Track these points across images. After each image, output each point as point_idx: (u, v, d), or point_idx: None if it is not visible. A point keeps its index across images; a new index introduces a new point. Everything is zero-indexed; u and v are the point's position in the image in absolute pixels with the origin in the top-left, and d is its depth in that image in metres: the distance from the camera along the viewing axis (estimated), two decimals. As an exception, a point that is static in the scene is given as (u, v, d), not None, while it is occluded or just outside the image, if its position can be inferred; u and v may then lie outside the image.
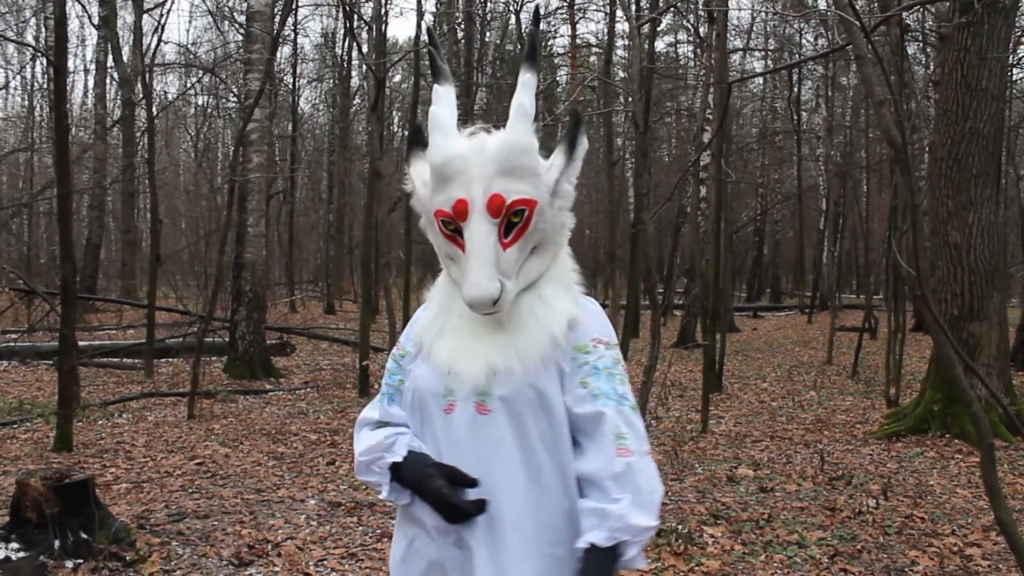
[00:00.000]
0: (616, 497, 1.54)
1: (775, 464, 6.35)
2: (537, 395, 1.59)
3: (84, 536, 3.94)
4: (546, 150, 1.68)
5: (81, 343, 10.22)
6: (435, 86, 1.69)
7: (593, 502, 1.56)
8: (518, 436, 1.60)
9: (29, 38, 24.33)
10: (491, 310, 1.57)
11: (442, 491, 1.62)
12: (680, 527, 4.59)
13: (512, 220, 1.58)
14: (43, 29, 23.00)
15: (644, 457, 1.59)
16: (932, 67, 17.38)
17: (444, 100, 1.67)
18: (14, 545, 3.79)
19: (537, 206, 1.60)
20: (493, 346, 1.61)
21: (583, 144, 1.68)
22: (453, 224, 1.61)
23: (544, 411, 1.60)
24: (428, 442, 1.68)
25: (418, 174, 1.71)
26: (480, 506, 1.62)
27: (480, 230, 1.57)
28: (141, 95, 17.37)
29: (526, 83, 1.65)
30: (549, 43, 27.50)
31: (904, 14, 10.69)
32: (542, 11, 26.08)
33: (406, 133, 21.26)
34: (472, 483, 1.62)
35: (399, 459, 1.69)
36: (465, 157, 1.59)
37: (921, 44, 18.65)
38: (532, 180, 1.60)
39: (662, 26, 26.18)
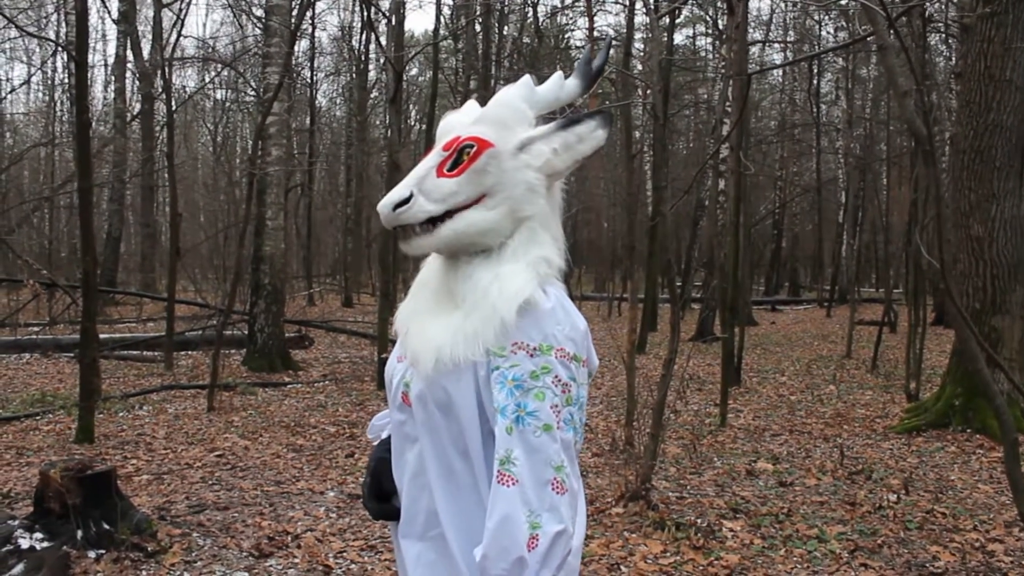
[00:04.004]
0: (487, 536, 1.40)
1: (794, 458, 6.32)
2: (446, 396, 1.49)
3: (106, 527, 3.97)
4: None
5: (102, 336, 10.31)
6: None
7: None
8: (431, 434, 1.53)
9: (50, 33, 24.49)
10: (392, 217, 1.52)
11: (363, 488, 1.68)
12: (699, 521, 4.58)
13: (461, 158, 1.55)
14: (64, 24, 23.15)
15: (538, 488, 1.39)
16: (954, 58, 17.20)
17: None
18: (38, 535, 3.83)
19: (491, 148, 1.54)
20: (445, 331, 1.51)
21: (585, 125, 1.59)
22: None
23: (452, 414, 1.50)
24: None
25: None
26: (386, 513, 1.66)
27: (426, 160, 1.59)
28: (161, 89, 17.45)
29: (561, 81, 1.66)
30: (566, 36, 27.43)
31: (927, 4, 10.57)
32: (560, 4, 26.04)
33: (423, 126, 21.29)
34: (380, 492, 1.67)
35: (372, 438, 1.79)
36: (458, 120, 1.64)
37: (943, 35, 18.45)
38: (496, 127, 1.57)
39: (681, 18, 26.04)
